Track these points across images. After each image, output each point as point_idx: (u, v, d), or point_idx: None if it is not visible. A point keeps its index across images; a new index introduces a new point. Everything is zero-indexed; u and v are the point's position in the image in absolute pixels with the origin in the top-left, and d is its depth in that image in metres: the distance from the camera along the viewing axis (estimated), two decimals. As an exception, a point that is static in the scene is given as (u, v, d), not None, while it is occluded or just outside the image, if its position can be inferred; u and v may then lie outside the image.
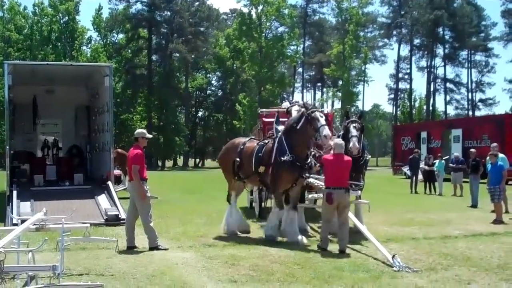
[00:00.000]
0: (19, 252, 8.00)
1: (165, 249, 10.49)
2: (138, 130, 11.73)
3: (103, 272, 8.64)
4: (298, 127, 11.18)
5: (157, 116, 75.41)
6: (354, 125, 11.42)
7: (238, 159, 12.24)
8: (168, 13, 78.21)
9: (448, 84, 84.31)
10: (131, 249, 10.54)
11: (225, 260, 9.43)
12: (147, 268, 8.92)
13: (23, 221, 9.81)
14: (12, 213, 13.94)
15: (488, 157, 16.68)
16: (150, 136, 11.55)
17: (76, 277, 8.33)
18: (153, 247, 10.52)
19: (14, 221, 12.47)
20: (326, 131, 10.69)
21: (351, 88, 70.30)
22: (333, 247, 10.30)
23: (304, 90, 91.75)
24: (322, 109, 11.96)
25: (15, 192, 15.94)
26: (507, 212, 16.21)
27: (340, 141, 10.74)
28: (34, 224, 8.64)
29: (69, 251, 9.51)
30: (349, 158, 10.55)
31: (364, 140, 12.11)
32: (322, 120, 10.86)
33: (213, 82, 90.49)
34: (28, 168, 20.44)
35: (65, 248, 8.20)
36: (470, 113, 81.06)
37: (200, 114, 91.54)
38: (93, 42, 77.82)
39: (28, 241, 8.93)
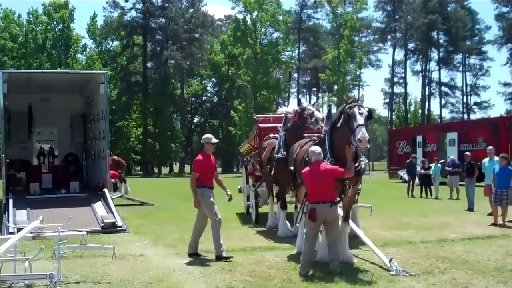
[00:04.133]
0: (16, 261, 7.98)
1: (228, 258, 10.06)
2: (204, 136, 10.93)
3: (100, 280, 8.62)
4: (338, 125, 9.48)
5: (152, 122, 75.48)
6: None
7: (292, 168, 11.13)
8: (163, 20, 78.39)
9: (443, 88, 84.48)
10: (192, 256, 10.38)
11: (222, 267, 9.42)
12: (144, 275, 8.90)
13: (19, 230, 9.79)
14: (8, 222, 13.90)
15: (486, 159, 16.82)
16: (216, 140, 10.91)
17: (73, 285, 8.32)
18: (218, 256, 10.10)
19: (11, 230, 12.45)
20: (362, 133, 8.64)
21: (346, 93, 70.39)
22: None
23: (300, 96, 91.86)
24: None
25: (11, 201, 15.87)
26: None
27: (316, 148, 9.29)
28: (31, 233, 8.62)
29: (65, 259, 9.48)
30: (330, 166, 9.02)
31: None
32: (360, 119, 8.82)
33: (208, 88, 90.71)
34: (24, 176, 20.38)
35: (61, 256, 8.17)
36: (465, 116, 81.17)
37: (195, 120, 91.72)
38: (88, 49, 78.17)
39: (25, 249, 8.90)
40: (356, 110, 8.97)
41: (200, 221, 10.71)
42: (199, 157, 10.56)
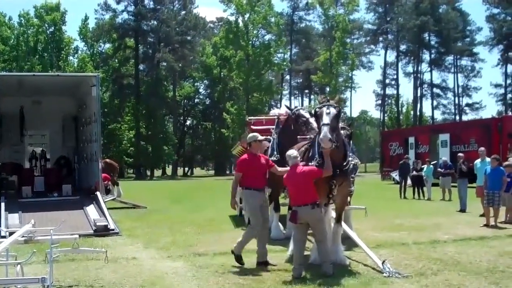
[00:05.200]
0: (8, 265, 7.95)
1: (241, 265, 9.72)
2: (250, 135, 10.33)
3: (92, 284, 8.59)
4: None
5: (145, 125, 75.36)
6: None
7: None
8: (155, 22, 78.30)
9: (434, 89, 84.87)
10: (261, 265, 9.62)
11: (215, 269, 9.41)
12: (136, 278, 8.88)
13: (11, 233, 9.77)
14: (0, 226, 13.85)
15: (477, 160, 16.91)
16: (263, 138, 10.41)
17: (66, 288, 8.30)
18: (234, 254, 9.81)
19: (2, 234, 12.42)
20: (323, 132, 8.68)
21: (338, 94, 70.39)
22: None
23: (292, 98, 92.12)
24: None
25: (3, 204, 15.79)
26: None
27: (292, 152, 9.31)
28: (23, 236, 8.59)
29: (58, 262, 9.45)
30: (307, 168, 9.06)
31: (353, 145, 11.87)
32: (325, 118, 8.86)
33: (200, 90, 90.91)
34: (16, 179, 20.31)
35: (54, 260, 8.14)
36: (457, 117, 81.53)
37: (188, 122, 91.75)
38: (79, 52, 78.09)
39: (17, 253, 8.85)
40: (324, 109, 9.06)
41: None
42: (244, 156, 10.05)
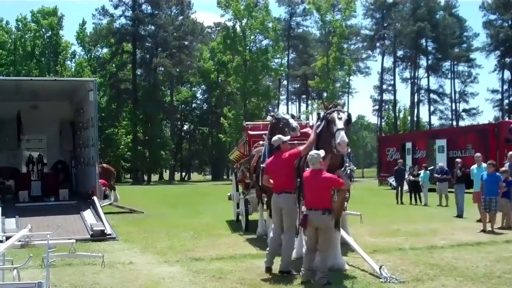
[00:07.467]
0: (4, 269, 7.93)
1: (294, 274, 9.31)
2: (275, 138, 10.25)
3: (89, 288, 8.59)
4: (318, 131, 9.58)
5: (142, 130, 75.27)
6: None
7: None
8: (152, 27, 78.17)
9: (431, 95, 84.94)
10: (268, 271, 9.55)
11: (212, 274, 9.41)
12: (133, 283, 8.87)
13: (8, 238, 9.74)
14: (-4, 230, 13.82)
15: (474, 166, 16.93)
16: (287, 138, 10.31)
17: (62, 293, 8.28)
18: (283, 272, 9.37)
19: (-1, 238, 12.38)
20: (340, 136, 8.70)
21: (335, 100, 70.35)
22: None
23: (289, 103, 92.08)
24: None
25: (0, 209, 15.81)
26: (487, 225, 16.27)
27: (316, 153, 9.00)
28: (19, 241, 8.57)
29: (54, 267, 9.44)
30: (329, 175, 8.89)
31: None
32: (340, 123, 8.92)
33: (198, 95, 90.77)
34: (13, 184, 20.31)
35: (50, 265, 8.12)
36: (454, 123, 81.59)
37: (185, 127, 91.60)
38: (77, 56, 78.16)
39: (13, 258, 8.84)
40: (335, 115, 9.09)
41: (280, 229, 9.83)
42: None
